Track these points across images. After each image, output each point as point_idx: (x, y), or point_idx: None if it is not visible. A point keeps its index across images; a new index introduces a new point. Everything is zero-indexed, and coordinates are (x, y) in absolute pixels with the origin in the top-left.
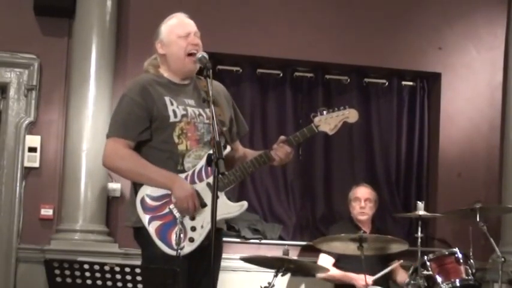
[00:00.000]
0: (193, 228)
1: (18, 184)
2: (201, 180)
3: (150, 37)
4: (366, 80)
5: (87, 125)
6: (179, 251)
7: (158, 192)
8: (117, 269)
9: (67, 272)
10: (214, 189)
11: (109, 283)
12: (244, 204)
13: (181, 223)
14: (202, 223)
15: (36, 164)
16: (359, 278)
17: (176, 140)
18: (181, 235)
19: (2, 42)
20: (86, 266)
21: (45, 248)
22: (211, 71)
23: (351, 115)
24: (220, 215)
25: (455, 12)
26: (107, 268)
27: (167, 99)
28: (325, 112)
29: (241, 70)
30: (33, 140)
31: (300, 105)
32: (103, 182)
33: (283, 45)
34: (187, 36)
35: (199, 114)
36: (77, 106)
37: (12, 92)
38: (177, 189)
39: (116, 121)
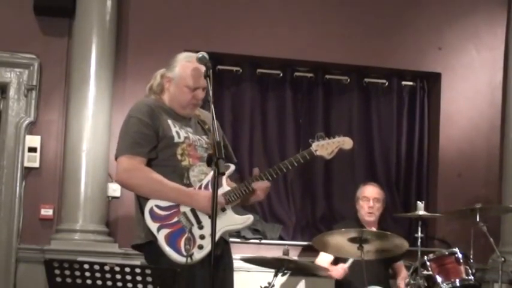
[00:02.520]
0: (202, 237)
1: (18, 184)
2: None
3: (150, 37)
4: (366, 80)
5: (87, 125)
6: (189, 258)
7: (167, 202)
8: (117, 269)
9: (67, 272)
10: (214, 188)
11: (109, 283)
12: (250, 217)
13: (190, 231)
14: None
15: (36, 164)
16: (334, 270)
17: (179, 158)
18: (191, 242)
19: (2, 42)
20: (86, 266)
21: (45, 248)
22: (211, 71)
23: (346, 142)
24: (226, 227)
25: (455, 12)
26: (107, 268)
27: (170, 122)
28: (321, 139)
29: (241, 70)
30: (33, 140)
31: (300, 105)
32: (103, 182)
33: (283, 45)
34: (195, 89)
35: (199, 139)
36: (77, 106)
37: (12, 92)
38: (197, 202)
39: (125, 140)
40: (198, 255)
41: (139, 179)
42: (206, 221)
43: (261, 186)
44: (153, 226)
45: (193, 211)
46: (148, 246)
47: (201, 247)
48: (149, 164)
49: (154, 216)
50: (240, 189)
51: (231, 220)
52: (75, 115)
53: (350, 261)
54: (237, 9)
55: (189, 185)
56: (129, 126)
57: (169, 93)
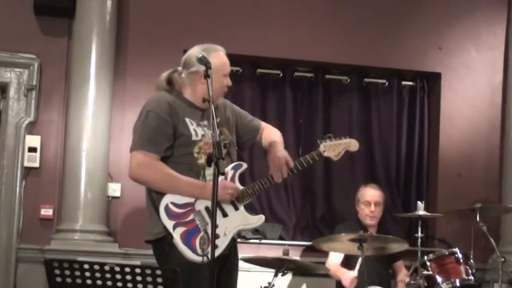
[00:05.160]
0: (216, 236)
1: (18, 184)
2: None
3: (150, 37)
4: (366, 80)
5: (87, 125)
6: (204, 257)
7: (182, 200)
8: (117, 269)
9: (67, 272)
10: (214, 188)
11: (109, 283)
12: (262, 217)
13: (205, 231)
14: (225, 231)
15: (36, 164)
16: (345, 275)
17: (196, 156)
18: (206, 241)
19: (2, 42)
20: (86, 266)
21: (45, 248)
22: (211, 70)
23: (353, 145)
24: (240, 226)
25: (455, 12)
26: (107, 268)
27: (187, 119)
28: (328, 140)
29: (241, 70)
30: (33, 140)
31: (300, 105)
32: (103, 182)
33: (283, 45)
34: (227, 75)
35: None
36: (77, 106)
37: (12, 92)
38: (210, 193)
39: (142, 136)
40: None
41: (153, 174)
42: (220, 220)
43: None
44: (169, 224)
45: (207, 209)
46: (160, 242)
47: (215, 246)
48: (165, 160)
49: (170, 214)
50: (256, 185)
51: (244, 220)
52: (75, 115)
53: (358, 265)
54: (237, 9)
55: None
56: (148, 122)
57: (202, 87)
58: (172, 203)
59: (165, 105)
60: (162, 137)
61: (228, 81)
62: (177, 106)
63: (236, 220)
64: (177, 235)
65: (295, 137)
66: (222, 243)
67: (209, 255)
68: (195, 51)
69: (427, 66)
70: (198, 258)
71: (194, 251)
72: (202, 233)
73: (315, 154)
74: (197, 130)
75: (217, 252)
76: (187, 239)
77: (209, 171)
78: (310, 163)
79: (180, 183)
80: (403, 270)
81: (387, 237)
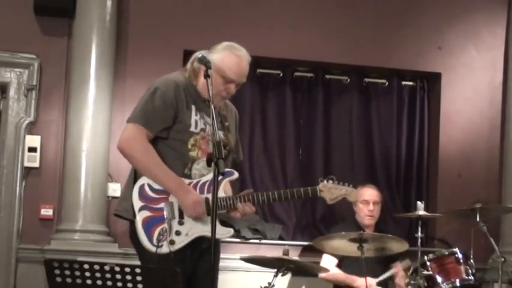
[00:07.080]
0: (177, 233)
1: (18, 184)
2: (202, 192)
3: (150, 37)
4: (366, 80)
5: (87, 125)
6: (158, 248)
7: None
8: (117, 269)
9: (67, 272)
10: (214, 188)
11: (109, 283)
12: (231, 231)
13: (169, 223)
14: (188, 232)
15: (36, 164)
16: (361, 281)
17: (189, 147)
18: (165, 234)
19: (2, 42)
20: (86, 266)
21: (45, 248)
22: (211, 70)
23: (352, 195)
24: (203, 232)
25: (455, 12)
26: (107, 268)
27: (193, 108)
28: (331, 181)
29: None
30: (33, 140)
31: (300, 105)
32: (103, 182)
33: (283, 45)
34: (229, 82)
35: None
36: (77, 106)
37: (12, 92)
38: (183, 197)
39: (143, 110)
40: (166, 249)
41: (139, 152)
42: (188, 219)
43: (244, 210)
44: (136, 203)
45: None
46: (134, 226)
47: (172, 242)
48: (157, 141)
49: (142, 195)
50: (229, 200)
51: (210, 227)
52: (75, 115)
53: (385, 276)
54: (236, 9)
55: (188, 176)
56: (152, 98)
57: (203, 82)
58: (149, 186)
59: (174, 86)
60: (161, 116)
61: (229, 88)
62: (186, 91)
63: (203, 226)
64: (140, 218)
65: (295, 137)
66: (180, 242)
67: (162, 249)
68: (225, 44)
69: (427, 66)
70: (151, 248)
71: (150, 239)
72: (165, 225)
73: (310, 190)
74: (198, 122)
75: (173, 249)
76: (148, 225)
77: (197, 166)
78: (301, 197)
79: (159, 170)
80: (401, 272)
81: (387, 237)
